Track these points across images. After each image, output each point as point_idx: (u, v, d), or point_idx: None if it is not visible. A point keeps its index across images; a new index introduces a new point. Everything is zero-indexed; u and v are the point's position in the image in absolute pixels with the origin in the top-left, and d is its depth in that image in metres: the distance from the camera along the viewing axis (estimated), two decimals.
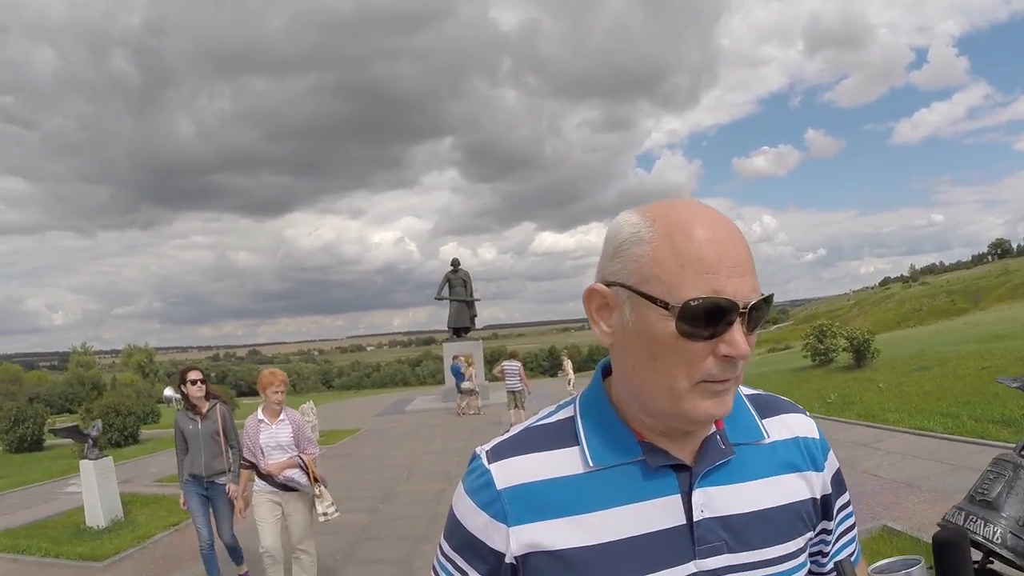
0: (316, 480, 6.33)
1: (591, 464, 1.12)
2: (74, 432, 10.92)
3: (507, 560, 1.11)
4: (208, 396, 6.99)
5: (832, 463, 1.28)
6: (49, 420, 30.13)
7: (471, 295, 32.03)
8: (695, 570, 1.08)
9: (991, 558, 3.36)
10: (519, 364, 19.88)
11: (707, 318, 0.99)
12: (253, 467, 6.26)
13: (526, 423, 1.24)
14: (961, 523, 3.53)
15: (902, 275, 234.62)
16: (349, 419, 25.65)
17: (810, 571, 1.27)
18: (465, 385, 24.15)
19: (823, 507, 1.25)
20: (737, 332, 1.00)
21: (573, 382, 26.01)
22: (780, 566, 1.14)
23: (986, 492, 3.65)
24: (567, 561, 1.08)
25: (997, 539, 3.41)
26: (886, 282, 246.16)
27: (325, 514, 6.37)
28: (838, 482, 1.28)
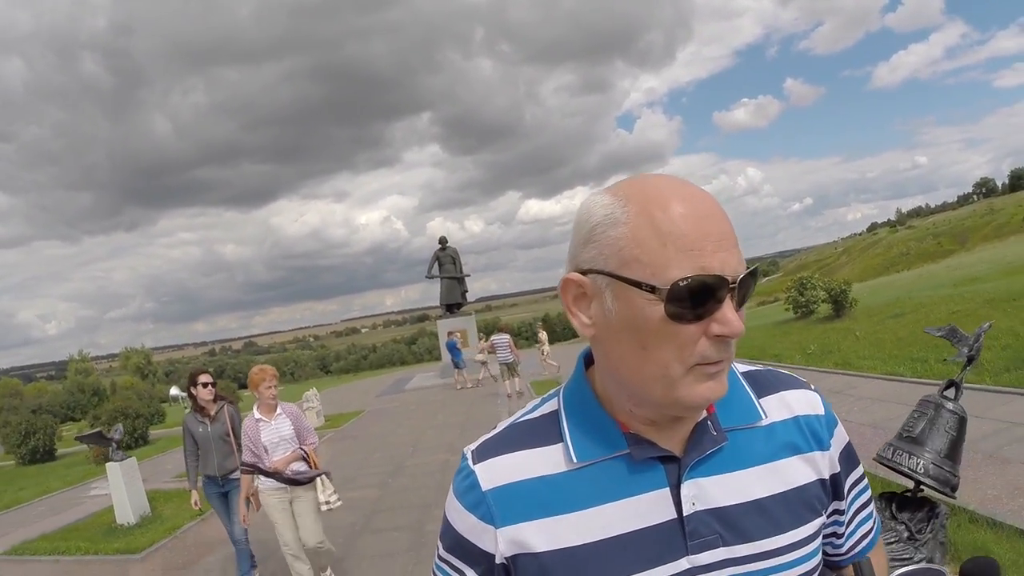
0: (317, 468, 6.37)
1: (575, 461, 1.10)
2: (98, 437, 11.51)
3: (497, 561, 1.11)
4: (216, 398, 7.10)
5: (840, 438, 1.22)
6: (56, 430, 30.67)
7: (460, 271, 32.31)
8: (688, 566, 1.06)
9: (920, 486, 4.06)
10: (508, 337, 20.65)
11: (697, 298, 0.95)
12: (255, 469, 6.18)
13: (511, 419, 1.22)
14: (890, 457, 4.23)
15: (889, 220, 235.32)
16: (351, 402, 26.26)
17: (826, 553, 1.25)
18: (479, 357, 24.38)
19: (833, 487, 1.19)
20: (729, 309, 0.96)
21: (547, 352, 26.31)
22: (782, 557, 1.10)
23: (912, 429, 4.38)
24: (556, 562, 1.07)
25: (921, 470, 4.13)
26: (873, 228, 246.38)
27: (328, 503, 6.38)
28: (847, 458, 1.22)
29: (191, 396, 7.06)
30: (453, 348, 25.49)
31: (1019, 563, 4.89)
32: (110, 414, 24.58)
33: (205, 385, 6.98)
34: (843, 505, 1.23)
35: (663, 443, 1.08)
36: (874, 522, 1.31)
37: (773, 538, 1.08)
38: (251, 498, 6.48)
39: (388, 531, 8.50)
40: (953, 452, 4.60)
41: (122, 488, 10.80)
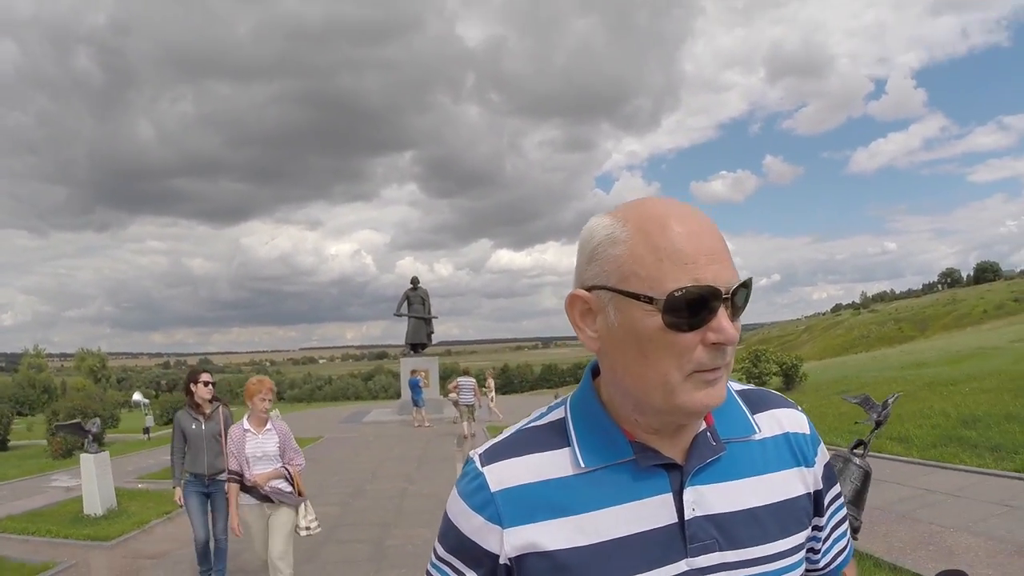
0: (300, 493, 6.29)
1: (583, 465, 1.13)
2: (77, 428, 11.95)
3: (501, 562, 1.12)
4: (212, 398, 7.15)
5: (823, 457, 1.29)
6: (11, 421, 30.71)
7: (429, 312, 32.77)
8: (687, 568, 1.10)
9: None
10: (473, 380, 21.55)
11: (692, 307, 1.01)
12: (239, 478, 6.16)
13: (517, 425, 1.25)
14: None
15: (853, 302, 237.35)
16: (309, 428, 26.56)
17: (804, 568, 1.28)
18: (452, 396, 23.47)
19: (815, 502, 1.26)
20: (723, 318, 1.02)
21: (493, 398, 26.73)
22: (771, 564, 1.14)
23: None
24: (561, 562, 1.09)
25: None
26: (837, 308, 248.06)
27: (307, 528, 6.34)
28: (828, 476, 1.29)
29: (189, 393, 7.09)
30: (416, 386, 25.75)
31: None
32: (68, 411, 24.70)
33: (206, 384, 7.04)
34: (823, 521, 1.29)
35: (666, 451, 1.13)
36: (848, 540, 1.37)
37: (764, 546, 1.14)
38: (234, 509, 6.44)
39: (350, 542, 9.03)
40: (857, 499, 5.50)
41: (93, 480, 11.15)
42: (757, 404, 1.27)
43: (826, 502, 1.28)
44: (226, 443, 6.68)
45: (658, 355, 1.04)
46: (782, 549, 1.15)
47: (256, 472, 6.06)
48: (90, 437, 11.39)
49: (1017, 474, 9.29)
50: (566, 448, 1.16)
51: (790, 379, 21.19)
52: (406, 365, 30.27)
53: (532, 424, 1.23)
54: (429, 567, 1.22)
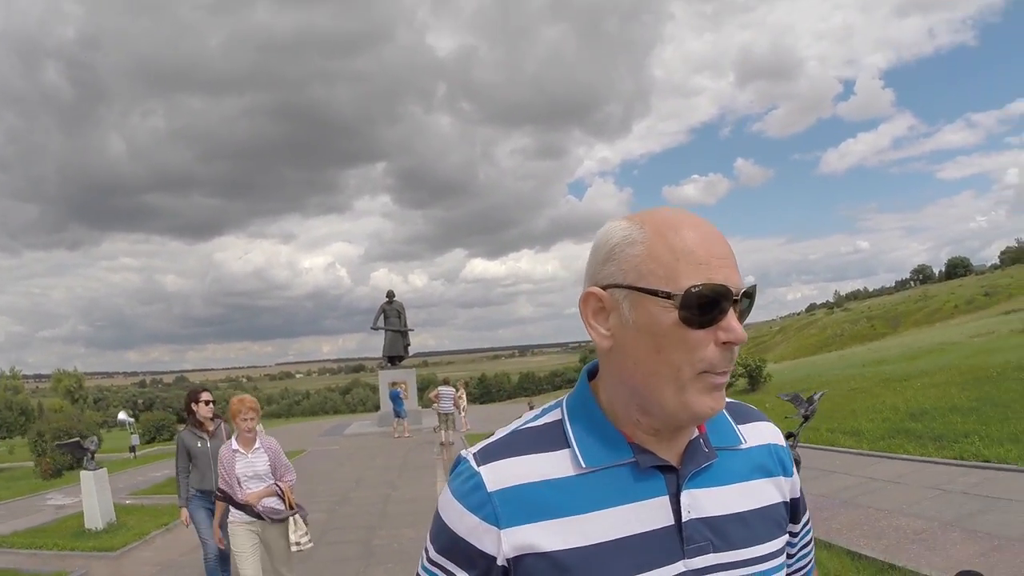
0: (292, 507, 6.23)
1: (583, 465, 1.14)
2: (75, 447, 12.52)
3: (499, 563, 1.12)
4: (213, 416, 7.28)
5: (794, 469, 1.34)
6: None
7: (405, 325, 33.30)
8: (684, 569, 1.12)
9: None
10: (452, 390, 22.47)
11: (706, 305, 1.05)
12: (228, 498, 6.09)
13: (512, 426, 1.26)
14: None
15: (827, 301, 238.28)
16: (291, 442, 27.02)
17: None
18: (444, 408, 23.21)
19: (792, 510, 1.31)
20: (733, 319, 1.07)
21: (464, 407, 27.13)
22: (761, 565, 1.18)
23: None
24: (560, 562, 1.10)
25: None
26: (812, 308, 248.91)
27: (298, 543, 6.29)
28: (801, 489, 1.35)
29: (190, 412, 7.21)
30: (396, 398, 26.40)
31: (843, 573, 6.45)
32: (53, 432, 25.16)
33: (207, 403, 7.21)
34: (797, 529, 1.35)
35: (663, 454, 1.16)
36: (812, 550, 1.45)
37: (754, 548, 1.17)
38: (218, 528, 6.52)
39: (339, 543, 9.73)
40: None
41: (93, 495, 11.70)
42: (741, 416, 1.32)
43: (801, 513, 1.35)
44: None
45: (672, 349, 1.08)
46: (769, 551, 1.20)
47: (248, 492, 6.00)
48: (89, 455, 11.96)
49: (953, 461, 10.15)
50: (565, 449, 1.17)
51: (755, 380, 22.08)
52: (384, 378, 30.97)
53: (527, 425, 1.24)
54: (420, 570, 1.22)
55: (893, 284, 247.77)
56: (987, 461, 9.71)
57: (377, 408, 33.65)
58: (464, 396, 27.78)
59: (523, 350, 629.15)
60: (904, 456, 11.03)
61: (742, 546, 1.17)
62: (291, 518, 6.23)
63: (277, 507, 6.11)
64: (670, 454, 1.17)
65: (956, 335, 32.16)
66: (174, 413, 56.38)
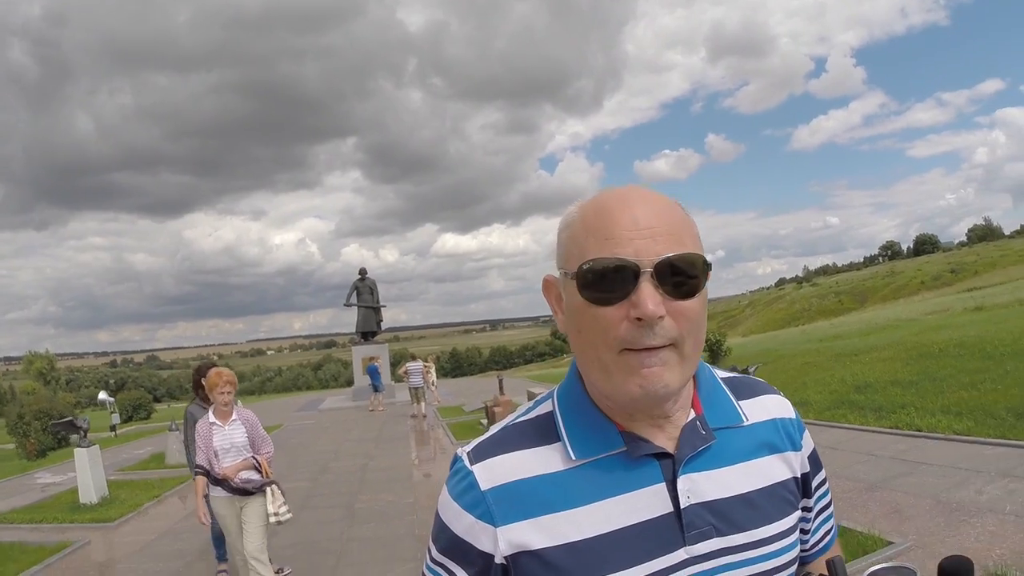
0: (269, 478, 6.28)
1: (574, 458, 1.13)
2: (69, 425, 13.17)
3: (497, 561, 1.12)
4: None
5: (808, 442, 1.31)
6: None
7: (377, 302, 33.96)
8: (686, 556, 1.10)
9: None
10: (421, 364, 23.40)
11: (604, 280, 1.03)
12: (207, 473, 6.13)
13: (504, 421, 1.26)
14: None
15: (797, 276, 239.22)
16: (268, 418, 27.38)
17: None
18: (414, 382, 23.79)
19: (803, 485, 1.28)
20: (643, 292, 1.01)
21: (435, 381, 27.78)
22: (770, 546, 1.16)
23: None
24: (558, 558, 1.09)
25: None
26: (781, 283, 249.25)
27: (276, 514, 6.26)
28: (815, 460, 1.31)
29: (199, 387, 7.25)
30: (375, 372, 27.14)
31: None
32: (34, 413, 25.46)
33: None
34: (810, 503, 1.32)
35: (657, 441, 1.13)
36: (834, 521, 1.40)
37: (760, 528, 1.15)
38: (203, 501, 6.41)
39: (323, 508, 10.50)
40: None
41: (87, 471, 12.23)
42: (743, 391, 1.28)
43: (814, 485, 1.31)
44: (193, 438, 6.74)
45: (588, 330, 1.07)
46: (777, 531, 1.17)
47: (225, 465, 6.05)
48: (82, 432, 12.63)
49: (888, 430, 11.07)
50: (556, 442, 1.16)
51: (715, 354, 22.96)
52: (358, 353, 31.82)
53: (519, 419, 1.23)
54: (424, 570, 1.22)
55: (862, 260, 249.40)
56: (919, 430, 10.56)
57: (350, 383, 34.17)
58: (433, 370, 28.29)
59: (495, 324, 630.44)
60: (845, 425, 11.93)
61: (749, 527, 1.15)
62: (268, 489, 6.27)
63: (254, 477, 6.18)
64: (665, 440, 1.14)
65: (913, 312, 33.21)
66: (148, 392, 56.56)
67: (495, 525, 1.11)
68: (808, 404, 13.78)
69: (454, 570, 1.15)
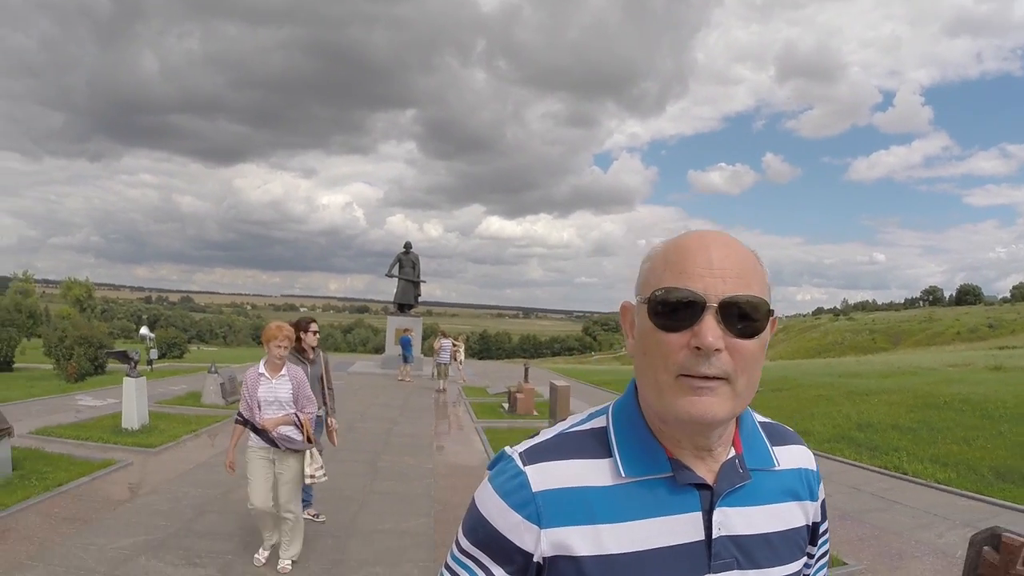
0: (309, 440, 6.37)
1: (623, 475, 1.19)
2: (123, 356, 14.05)
3: (535, 559, 1.18)
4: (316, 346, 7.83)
5: (822, 492, 1.40)
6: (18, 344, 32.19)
7: (418, 277, 34.69)
8: None
9: None
10: (450, 342, 24.60)
11: (673, 309, 1.11)
12: (247, 422, 6.26)
13: (557, 428, 1.31)
14: None
15: (835, 307, 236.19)
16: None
17: None
18: (442, 359, 24.98)
19: (812, 533, 1.37)
20: (706, 325, 1.09)
21: (462, 359, 28.43)
22: None
23: None
24: (592, 567, 1.15)
25: None
26: (819, 312, 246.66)
27: (312, 476, 6.40)
28: (823, 511, 1.41)
29: (298, 339, 7.45)
30: (407, 344, 28.01)
31: None
32: (75, 339, 26.36)
33: (315, 333, 7.77)
34: (814, 550, 1.40)
35: (699, 471, 1.21)
36: (827, 571, 1.50)
37: (775, 568, 1.24)
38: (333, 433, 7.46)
39: (349, 462, 11.32)
40: None
41: (133, 399, 13.10)
42: (776, 438, 1.36)
43: (819, 533, 1.40)
44: (325, 381, 7.79)
45: (651, 353, 1.15)
46: (793, 571, 1.27)
47: (267, 416, 6.17)
48: (132, 363, 13.50)
49: (876, 468, 11.76)
50: (608, 458, 1.22)
51: None
52: (392, 323, 32.79)
53: (574, 429, 1.29)
54: (450, 560, 1.27)
55: (903, 301, 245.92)
56: (904, 473, 11.24)
57: (378, 350, 34.84)
58: (462, 350, 29.09)
59: (528, 312, 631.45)
60: (839, 458, 12.57)
61: (766, 566, 1.22)
62: (308, 452, 6.40)
63: (294, 436, 6.28)
64: (705, 471, 1.21)
65: (938, 361, 33.24)
66: (182, 331, 57.52)
67: (541, 527, 1.17)
68: (811, 434, 14.39)
69: (487, 564, 1.21)
